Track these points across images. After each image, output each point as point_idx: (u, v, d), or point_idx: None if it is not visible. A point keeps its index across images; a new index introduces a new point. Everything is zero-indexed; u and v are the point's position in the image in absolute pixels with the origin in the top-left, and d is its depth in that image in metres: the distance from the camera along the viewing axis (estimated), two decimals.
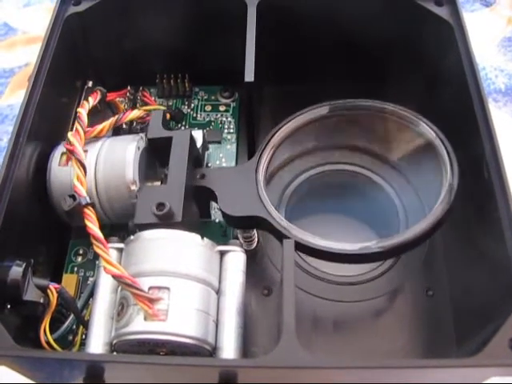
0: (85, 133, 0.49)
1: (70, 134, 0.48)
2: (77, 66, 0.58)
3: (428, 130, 0.50)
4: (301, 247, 0.45)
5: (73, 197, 0.44)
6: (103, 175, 0.49)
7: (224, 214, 0.48)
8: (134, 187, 0.48)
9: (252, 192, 0.48)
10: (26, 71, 0.76)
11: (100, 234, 0.42)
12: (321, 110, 0.53)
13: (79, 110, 0.50)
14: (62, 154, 0.51)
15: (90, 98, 0.52)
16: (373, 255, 0.45)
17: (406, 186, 0.55)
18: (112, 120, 0.53)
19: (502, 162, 0.44)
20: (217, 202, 0.48)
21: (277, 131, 0.52)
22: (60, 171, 0.50)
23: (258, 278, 0.52)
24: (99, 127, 0.51)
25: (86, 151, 0.49)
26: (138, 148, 0.50)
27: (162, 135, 0.51)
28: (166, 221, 0.45)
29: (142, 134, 0.52)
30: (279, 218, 0.46)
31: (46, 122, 0.51)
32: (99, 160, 0.49)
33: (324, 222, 0.56)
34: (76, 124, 0.49)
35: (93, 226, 0.42)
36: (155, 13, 0.58)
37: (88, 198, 0.44)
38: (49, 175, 0.50)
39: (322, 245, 0.45)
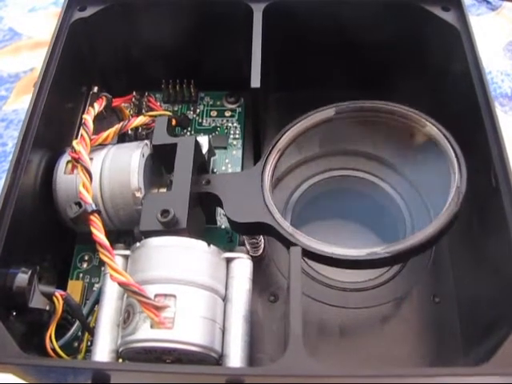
0: (91, 139, 0.48)
1: (74, 142, 0.48)
2: (82, 71, 0.58)
3: (435, 131, 0.50)
4: (307, 254, 0.45)
5: (78, 204, 0.44)
6: (108, 182, 0.49)
7: (230, 220, 0.48)
8: (139, 194, 0.48)
9: (258, 198, 0.48)
10: (31, 76, 0.76)
11: (106, 242, 0.42)
12: (327, 112, 0.53)
13: (85, 116, 0.50)
14: (68, 162, 0.51)
15: (95, 105, 0.52)
16: (380, 260, 0.45)
17: (412, 190, 0.55)
18: (117, 127, 0.53)
19: (509, 168, 0.44)
20: (223, 208, 0.48)
21: (282, 135, 0.51)
22: (66, 179, 0.50)
23: (264, 285, 0.52)
24: (104, 134, 0.51)
25: (91, 159, 0.49)
26: (143, 155, 0.50)
27: (166, 142, 0.51)
28: (170, 227, 0.45)
29: (147, 141, 0.52)
30: (285, 225, 0.46)
31: (51, 127, 0.50)
32: (104, 167, 0.49)
33: (330, 228, 0.56)
34: (82, 130, 0.49)
35: (99, 234, 0.42)
36: (160, 18, 0.58)
37: (94, 205, 0.44)
38: (55, 184, 0.50)
39: (329, 251, 0.45)
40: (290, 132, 0.52)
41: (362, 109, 0.53)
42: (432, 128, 0.50)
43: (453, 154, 0.48)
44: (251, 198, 0.48)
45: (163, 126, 0.51)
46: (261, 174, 0.49)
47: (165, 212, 0.45)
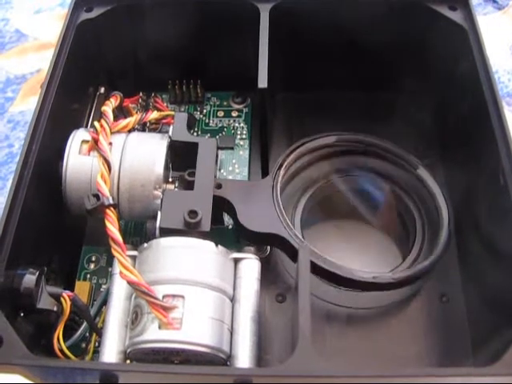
0: (111, 130, 0.48)
1: (96, 123, 0.47)
2: (89, 72, 0.58)
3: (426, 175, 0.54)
4: (315, 269, 0.46)
5: (96, 196, 0.43)
6: (129, 172, 0.47)
7: (240, 228, 0.48)
8: (159, 188, 0.47)
9: (270, 209, 0.49)
10: (37, 77, 0.76)
11: (119, 238, 0.41)
12: (328, 138, 0.55)
13: (104, 108, 0.49)
14: (83, 141, 0.49)
15: (111, 99, 0.51)
16: (384, 285, 0.48)
17: (423, 190, 0.54)
18: (137, 117, 0.52)
19: None
20: (230, 214, 0.49)
21: (288, 155, 0.54)
22: (80, 160, 0.48)
23: (271, 285, 0.52)
24: (124, 122, 0.50)
25: (109, 143, 0.47)
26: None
27: (187, 139, 0.50)
28: (195, 229, 0.44)
29: (167, 134, 0.51)
30: (298, 238, 0.47)
31: (58, 128, 0.50)
32: (125, 155, 0.48)
33: (340, 228, 0.56)
34: (102, 121, 0.48)
35: (113, 228, 0.41)
36: (167, 18, 0.57)
37: (111, 199, 0.43)
38: (66, 163, 0.48)
39: (338, 272, 0.47)
40: (295, 152, 0.54)
41: (361, 141, 0.55)
42: (423, 171, 0.54)
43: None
44: (264, 209, 0.49)
45: (183, 122, 0.51)
46: (271, 186, 0.51)
47: (193, 213, 0.45)
